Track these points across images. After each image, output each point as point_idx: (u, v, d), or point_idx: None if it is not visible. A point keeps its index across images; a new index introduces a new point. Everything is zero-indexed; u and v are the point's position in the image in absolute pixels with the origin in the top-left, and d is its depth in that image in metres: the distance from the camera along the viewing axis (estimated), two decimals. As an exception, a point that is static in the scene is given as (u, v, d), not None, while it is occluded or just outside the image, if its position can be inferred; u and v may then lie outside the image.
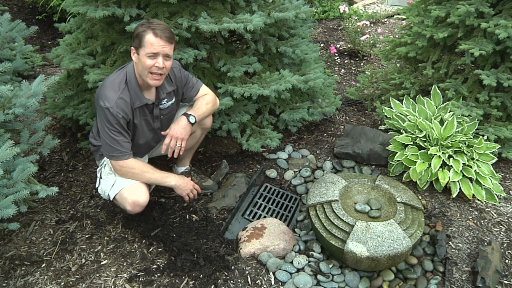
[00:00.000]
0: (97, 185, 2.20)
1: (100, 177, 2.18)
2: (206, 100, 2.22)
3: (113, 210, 2.38)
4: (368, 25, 4.97)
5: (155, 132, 2.19)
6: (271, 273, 2.03)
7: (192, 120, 2.09)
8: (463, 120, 2.60)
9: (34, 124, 2.28)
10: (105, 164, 2.17)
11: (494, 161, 2.48)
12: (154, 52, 1.84)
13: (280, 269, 2.05)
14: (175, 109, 2.23)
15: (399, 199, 2.17)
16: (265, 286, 1.98)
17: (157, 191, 2.50)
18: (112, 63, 2.53)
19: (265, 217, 2.43)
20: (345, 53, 4.60)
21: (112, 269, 2.04)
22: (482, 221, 2.35)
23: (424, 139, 2.53)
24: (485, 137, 2.58)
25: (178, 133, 2.06)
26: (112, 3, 2.39)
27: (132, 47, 1.91)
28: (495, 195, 2.42)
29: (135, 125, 2.05)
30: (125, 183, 2.05)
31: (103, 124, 1.93)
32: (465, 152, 2.46)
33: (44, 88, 2.08)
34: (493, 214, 2.40)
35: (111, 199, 2.11)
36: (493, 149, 2.52)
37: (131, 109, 1.97)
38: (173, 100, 2.15)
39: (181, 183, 2.12)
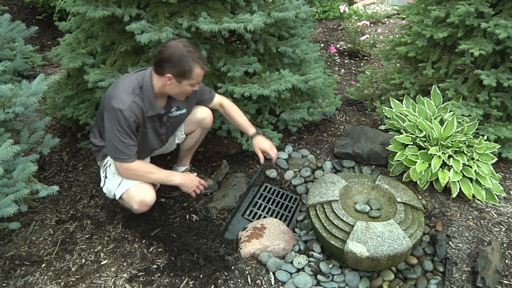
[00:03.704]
0: (101, 185, 2.19)
1: (105, 177, 2.16)
2: (237, 113, 2.37)
3: (113, 210, 2.38)
4: (368, 25, 4.97)
5: (159, 137, 2.20)
6: (271, 273, 2.04)
7: (260, 132, 2.41)
8: (463, 120, 2.60)
9: (34, 123, 2.27)
10: (110, 164, 2.16)
11: (494, 161, 2.48)
12: (198, 81, 1.98)
13: (280, 269, 2.05)
14: (183, 119, 2.26)
15: (399, 199, 2.17)
16: (265, 286, 1.98)
17: (157, 191, 2.49)
18: (112, 63, 2.53)
19: (265, 217, 2.43)
20: (345, 53, 4.60)
21: (112, 269, 2.04)
22: (482, 221, 2.35)
23: (424, 139, 2.53)
24: (485, 137, 2.58)
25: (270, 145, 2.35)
26: (112, 3, 2.39)
27: (170, 75, 1.90)
28: (495, 195, 2.42)
29: (144, 131, 2.06)
30: (132, 182, 2.05)
31: (112, 125, 1.92)
32: (465, 152, 2.46)
33: (45, 87, 2.08)
34: (493, 214, 2.40)
35: (117, 198, 2.10)
36: (493, 149, 2.52)
37: (143, 116, 1.98)
38: (184, 110, 2.19)
39: (186, 180, 2.12)
